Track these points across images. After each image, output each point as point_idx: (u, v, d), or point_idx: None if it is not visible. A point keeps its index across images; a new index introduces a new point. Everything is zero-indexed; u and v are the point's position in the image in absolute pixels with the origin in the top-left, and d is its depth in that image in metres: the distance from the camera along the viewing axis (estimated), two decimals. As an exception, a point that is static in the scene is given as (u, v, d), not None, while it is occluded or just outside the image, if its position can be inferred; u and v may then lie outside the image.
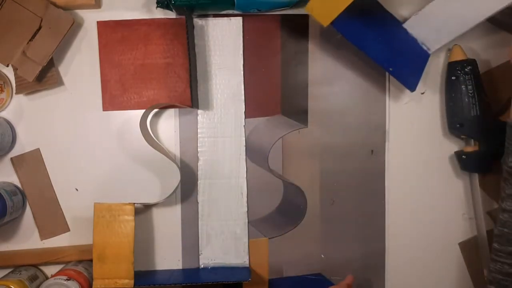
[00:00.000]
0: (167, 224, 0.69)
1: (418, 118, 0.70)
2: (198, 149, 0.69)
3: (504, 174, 0.56)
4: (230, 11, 0.66)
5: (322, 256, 0.70)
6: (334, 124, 0.69)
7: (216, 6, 0.65)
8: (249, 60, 0.68)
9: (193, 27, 0.66)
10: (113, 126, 0.68)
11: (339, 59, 0.69)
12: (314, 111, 0.69)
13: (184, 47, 0.67)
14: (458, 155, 0.68)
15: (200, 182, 0.69)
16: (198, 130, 0.69)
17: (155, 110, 0.68)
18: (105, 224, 0.63)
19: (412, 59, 0.66)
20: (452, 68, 0.66)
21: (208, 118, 0.69)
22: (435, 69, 0.69)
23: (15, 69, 0.65)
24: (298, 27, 0.68)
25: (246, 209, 0.69)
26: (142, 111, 0.66)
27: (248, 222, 0.69)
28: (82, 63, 0.68)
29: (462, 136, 0.67)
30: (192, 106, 0.66)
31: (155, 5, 0.64)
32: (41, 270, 0.69)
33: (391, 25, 0.66)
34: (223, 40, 0.68)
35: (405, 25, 0.66)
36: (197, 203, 0.69)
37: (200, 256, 0.69)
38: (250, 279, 0.64)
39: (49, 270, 0.69)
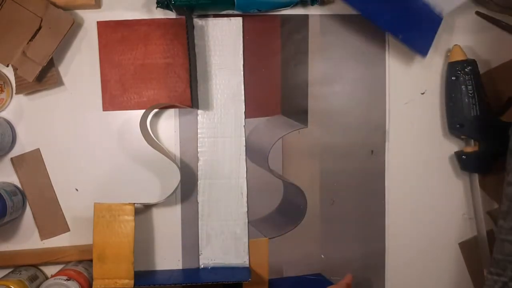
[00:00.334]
0: (167, 224, 0.69)
1: (418, 118, 0.70)
2: (198, 149, 0.69)
3: (510, 146, 0.55)
4: (230, 11, 0.66)
5: (322, 256, 0.70)
6: (334, 124, 0.69)
7: (216, 6, 0.65)
8: (249, 60, 0.68)
9: (193, 27, 0.66)
10: (113, 126, 0.68)
11: (339, 59, 0.69)
12: (314, 111, 0.69)
13: (184, 47, 0.67)
14: (458, 155, 0.68)
15: (200, 182, 0.69)
16: (198, 130, 0.69)
17: (155, 110, 0.68)
18: (105, 224, 0.63)
19: (424, 24, 0.64)
20: (452, 68, 0.66)
21: (208, 118, 0.69)
22: (435, 69, 0.69)
23: (15, 69, 0.65)
24: (298, 27, 0.68)
25: (246, 209, 0.69)
26: (142, 111, 0.66)
27: (248, 222, 0.69)
28: (82, 63, 0.68)
29: (462, 136, 0.67)
30: (192, 106, 0.66)
31: (155, 5, 0.65)
32: (41, 270, 0.69)
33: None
34: (223, 40, 0.68)
35: None
36: (197, 203, 0.69)
37: (200, 256, 0.69)
38: (250, 279, 0.64)
39: (49, 270, 0.69)
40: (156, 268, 0.70)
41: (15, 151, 0.68)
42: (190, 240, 0.69)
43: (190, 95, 0.66)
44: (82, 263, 0.68)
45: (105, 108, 0.68)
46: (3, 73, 0.67)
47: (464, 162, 0.68)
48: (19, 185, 0.69)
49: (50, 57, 0.63)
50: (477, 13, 0.68)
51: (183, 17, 0.66)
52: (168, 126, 0.69)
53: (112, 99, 0.68)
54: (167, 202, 0.68)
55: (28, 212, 0.69)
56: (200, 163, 0.69)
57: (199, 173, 0.69)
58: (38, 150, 0.68)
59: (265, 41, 0.68)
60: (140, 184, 0.69)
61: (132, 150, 0.69)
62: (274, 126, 0.69)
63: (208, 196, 0.69)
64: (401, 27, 0.62)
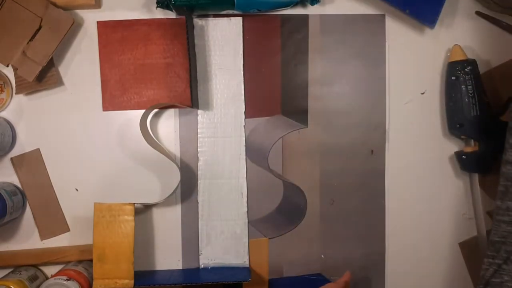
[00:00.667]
0: (167, 224, 0.69)
1: (418, 118, 0.70)
2: (198, 149, 0.69)
3: (510, 124, 0.55)
4: (230, 11, 0.66)
5: (322, 256, 0.70)
6: (334, 124, 0.69)
7: (216, 6, 0.65)
8: (249, 60, 0.68)
9: (193, 27, 0.66)
10: (113, 126, 0.68)
11: (339, 59, 0.69)
12: (314, 111, 0.69)
13: (184, 47, 0.67)
14: (458, 155, 0.68)
15: (200, 182, 0.69)
16: (198, 130, 0.69)
17: (155, 110, 0.68)
18: (105, 224, 0.63)
19: None
20: (452, 68, 0.66)
21: (208, 118, 0.69)
22: (435, 69, 0.69)
23: (15, 69, 0.65)
24: (298, 27, 0.68)
25: (246, 209, 0.69)
26: (142, 111, 0.66)
27: (248, 222, 0.69)
28: (82, 63, 0.68)
29: (462, 136, 0.67)
30: (192, 106, 0.66)
31: (155, 5, 0.65)
32: (41, 270, 0.69)
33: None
34: (223, 40, 0.68)
35: None
36: (197, 203, 0.69)
37: (200, 256, 0.69)
38: (250, 279, 0.64)
39: (49, 270, 0.69)
40: (156, 268, 0.70)
41: (15, 151, 0.68)
42: (190, 240, 0.69)
43: (190, 95, 0.66)
44: (82, 263, 0.68)
45: (105, 108, 0.68)
46: (3, 73, 0.67)
47: (464, 162, 0.68)
48: (19, 185, 0.69)
49: (50, 57, 0.63)
50: (477, 13, 0.68)
51: (183, 17, 0.66)
52: (168, 126, 0.69)
53: (112, 99, 0.68)
54: (167, 202, 0.68)
55: (28, 212, 0.69)
56: (200, 163, 0.69)
57: (199, 173, 0.69)
58: (38, 150, 0.68)
59: (265, 41, 0.68)
60: (140, 184, 0.69)
61: (132, 150, 0.69)
62: (274, 126, 0.69)
63: (208, 196, 0.69)
64: (408, 0, 0.63)
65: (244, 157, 0.69)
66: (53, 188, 0.69)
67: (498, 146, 0.58)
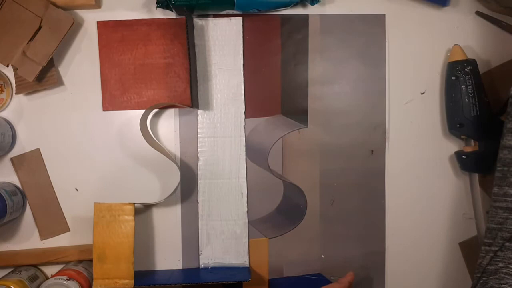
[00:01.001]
0: (167, 224, 0.69)
1: (418, 118, 0.70)
2: (198, 149, 0.69)
3: (508, 108, 0.55)
4: (230, 11, 0.66)
5: (322, 256, 0.70)
6: (334, 124, 0.69)
7: (216, 6, 0.65)
8: (249, 60, 0.68)
9: (193, 27, 0.66)
10: (113, 126, 0.68)
11: (339, 59, 0.69)
12: (314, 111, 0.69)
13: (184, 47, 0.67)
14: (458, 155, 0.68)
15: (200, 182, 0.69)
16: (198, 130, 0.69)
17: (155, 110, 0.68)
18: (105, 224, 0.63)
19: None
20: (452, 68, 0.66)
21: (208, 118, 0.69)
22: (435, 69, 0.69)
23: (15, 69, 0.65)
24: (298, 27, 0.68)
25: (246, 209, 0.69)
26: (142, 111, 0.66)
27: (248, 222, 0.69)
28: (82, 63, 0.68)
29: (462, 136, 0.67)
30: (192, 106, 0.66)
31: (155, 5, 0.65)
32: (41, 270, 0.69)
33: None
34: (223, 40, 0.68)
35: None
36: (197, 203, 0.69)
37: (200, 256, 0.69)
38: (250, 279, 0.64)
39: (49, 270, 0.69)
40: (156, 268, 0.70)
41: (15, 151, 0.68)
42: (190, 240, 0.69)
43: (190, 95, 0.66)
44: (82, 263, 0.68)
45: (105, 108, 0.68)
46: (3, 73, 0.67)
47: (464, 162, 0.68)
48: (19, 185, 0.69)
49: (50, 57, 0.63)
50: (477, 13, 0.68)
51: (183, 17, 0.66)
52: (168, 126, 0.69)
53: (112, 99, 0.68)
54: (167, 202, 0.68)
55: (28, 212, 0.69)
56: (200, 163, 0.69)
57: (199, 173, 0.69)
58: (38, 150, 0.68)
59: (265, 41, 0.68)
60: (140, 184, 0.69)
61: (132, 150, 0.69)
62: (274, 126, 0.69)
63: (208, 196, 0.69)
64: None
65: (244, 157, 0.69)
66: (53, 188, 0.69)
67: (498, 146, 0.58)
